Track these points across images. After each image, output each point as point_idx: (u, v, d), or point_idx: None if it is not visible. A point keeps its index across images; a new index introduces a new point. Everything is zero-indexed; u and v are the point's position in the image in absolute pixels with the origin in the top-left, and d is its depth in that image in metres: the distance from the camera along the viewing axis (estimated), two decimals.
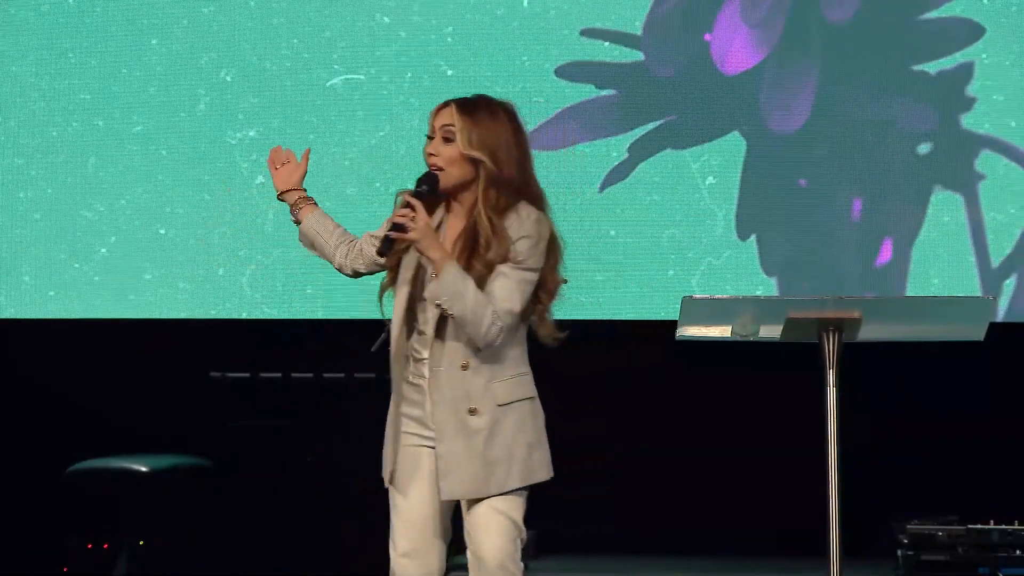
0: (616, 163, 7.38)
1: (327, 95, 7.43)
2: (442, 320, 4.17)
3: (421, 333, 4.24)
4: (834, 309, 4.45)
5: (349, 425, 7.46)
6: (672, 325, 4.55)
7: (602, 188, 7.38)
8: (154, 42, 7.47)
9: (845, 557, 4.42)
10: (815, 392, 4.47)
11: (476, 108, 4.20)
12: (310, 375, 7.70)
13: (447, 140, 4.18)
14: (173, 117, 7.45)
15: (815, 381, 4.48)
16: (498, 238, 4.12)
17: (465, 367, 4.15)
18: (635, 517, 7.64)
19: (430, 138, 4.23)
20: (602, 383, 7.67)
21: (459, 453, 4.15)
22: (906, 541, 6.89)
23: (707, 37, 7.43)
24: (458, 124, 4.17)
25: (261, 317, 7.43)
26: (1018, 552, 6.82)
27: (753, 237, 7.41)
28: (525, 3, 7.43)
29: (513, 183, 4.18)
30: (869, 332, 4.49)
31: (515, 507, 4.21)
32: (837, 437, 4.41)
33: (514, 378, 4.19)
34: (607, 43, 7.42)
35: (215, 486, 7.56)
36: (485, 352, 4.14)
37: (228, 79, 7.45)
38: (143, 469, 7.18)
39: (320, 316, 7.41)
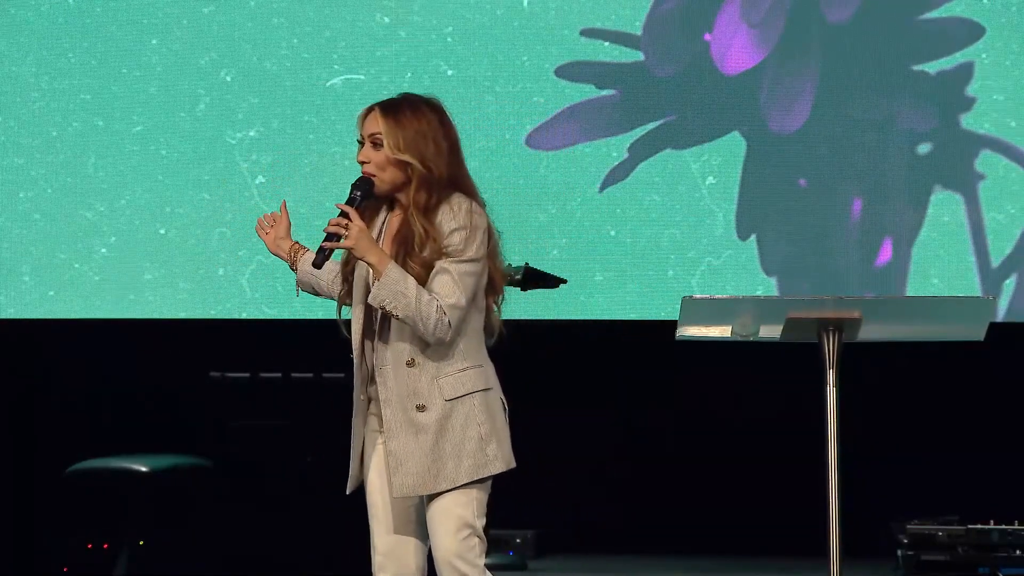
0: (616, 163, 7.38)
1: (327, 95, 7.43)
2: (384, 319, 4.18)
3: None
4: (834, 309, 4.45)
5: (349, 425, 7.45)
6: (672, 325, 4.55)
7: (602, 188, 7.38)
8: (154, 42, 7.48)
9: (845, 557, 4.42)
10: (815, 392, 4.47)
11: (400, 110, 4.19)
12: (310, 375, 7.70)
13: (376, 145, 4.18)
14: (173, 117, 7.45)
15: (815, 381, 4.48)
16: (431, 237, 4.13)
17: (411, 364, 4.16)
18: (635, 517, 7.64)
19: (360, 144, 4.22)
20: (602, 383, 7.67)
21: (408, 450, 4.16)
22: (906, 541, 6.89)
23: (707, 37, 7.43)
24: (383, 129, 4.16)
25: (261, 317, 7.43)
26: (1018, 552, 6.82)
27: (753, 237, 7.41)
28: (525, 3, 7.43)
29: (444, 181, 4.18)
30: (869, 332, 4.49)
31: (466, 503, 4.15)
32: (837, 437, 4.41)
33: (464, 372, 4.17)
34: (607, 43, 7.42)
35: (215, 486, 7.56)
36: (431, 348, 4.15)
37: (228, 79, 7.45)
38: (143, 469, 7.19)
39: (320, 316, 7.41)
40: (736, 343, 4.60)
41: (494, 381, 4.24)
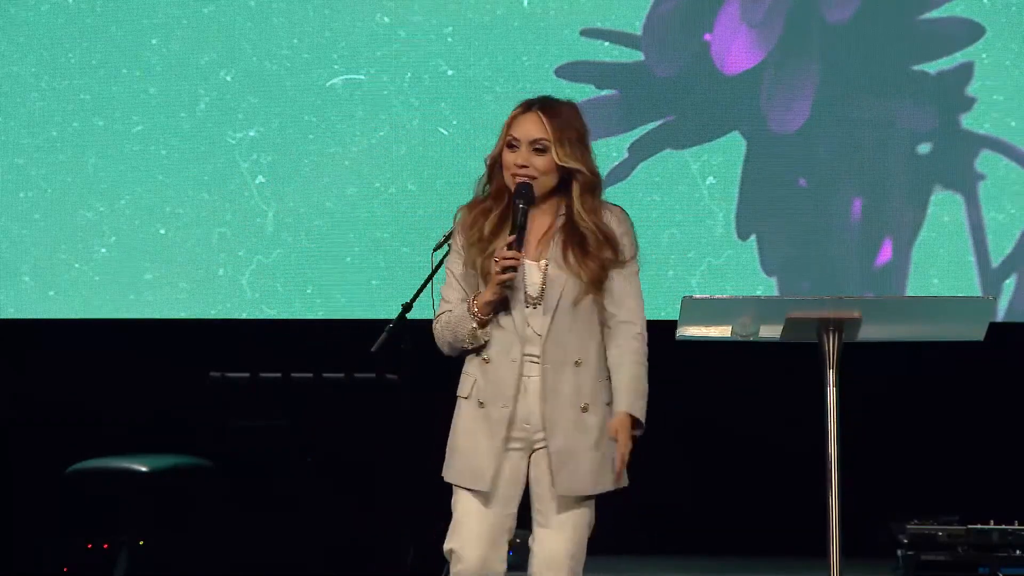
0: (616, 163, 7.38)
1: (327, 95, 7.43)
2: (555, 318, 4.18)
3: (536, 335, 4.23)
4: (834, 309, 4.45)
5: (349, 425, 7.46)
6: (672, 325, 4.55)
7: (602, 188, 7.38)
8: (154, 42, 7.48)
9: (845, 557, 4.42)
10: (815, 392, 4.47)
11: (563, 115, 4.22)
12: (310, 375, 7.70)
13: (538, 152, 4.18)
14: (173, 117, 7.45)
15: (815, 381, 4.48)
16: (607, 238, 4.22)
17: (578, 364, 4.19)
18: (635, 517, 7.63)
19: (512, 147, 4.20)
20: None
21: (573, 448, 4.18)
22: (906, 541, 6.89)
23: (707, 37, 7.43)
24: (552, 136, 4.18)
25: (261, 317, 7.43)
26: (1018, 552, 6.82)
27: (753, 237, 7.41)
28: (525, 3, 7.43)
29: (600, 185, 4.28)
30: (869, 332, 4.49)
31: (592, 511, 4.28)
32: (837, 437, 4.41)
33: (608, 380, 4.25)
34: (607, 43, 7.42)
35: (215, 486, 7.56)
36: (592, 350, 4.19)
37: (228, 79, 7.45)
38: (143, 469, 7.18)
39: (320, 316, 7.41)
40: (736, 343, 4.60)
41: None
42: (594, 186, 4.24)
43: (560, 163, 4.17)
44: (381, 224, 7.40)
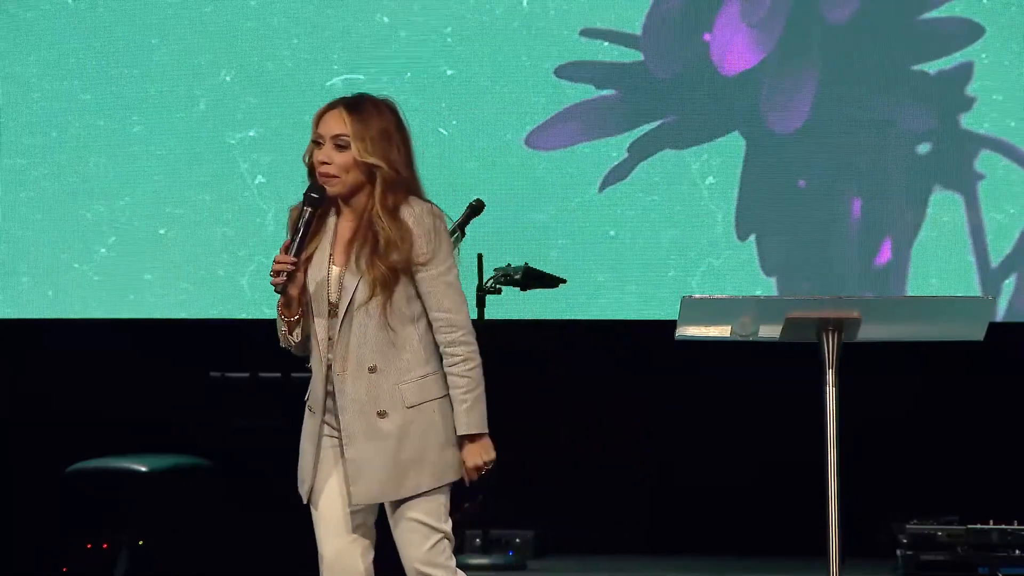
0: (616, 163, 7.38)
1: (327, 95, 7.40)
2: (345, 325, 4.13)
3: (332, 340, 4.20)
4: (834, 309, 4.45)
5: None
6: (672, 325, 4.55)
7: (602, 188, 7.39)
8: (154, 42, 7.48)
9: (845, 557, 4.42)
10: (815, 392, 4.47)
11: (365, 112, 4.15)
12: (310, 375, 7.70)
13: (340, 148, 4.14)
14: (173, 117, 7.46)
15: (815, 381, 4.48)
16: (400, 238, 4.08)
17: (373, 370, 4.11)
18: (635, 517, 7.64)
19: (318, 144, 4.16)
20: (602, 383, 7.66)
21: (368, 456, 4.11)
22: (906, 541, 6.89)
23: (707, 37, 7.43)
24: (352, 131, 4.12)
25: (261, 317, 7.43)
26: (1018, 552, 6.82)
27: (753, 237, 7.41)
28: (525, 3, 7.43)
29: (406, 183, 4.16)
30: (869, 332, 4.49)
31: (431, 510, 4.13)
32: (837, 437, 4.41)
33: (425, 378, 4.13)
34: (607, 43, 7.42)
35: (215, 486, 7.56)
36: (391, 354, 4.11)
37: (228, 79, 7.46)
38: (143, 469, 7.18)
39: None
40: (736, 343, 4.60)
41: (445, 388, 4.19)
42: (396, 184, 4.12)
43: (360, 159, 4.12)
44: None
